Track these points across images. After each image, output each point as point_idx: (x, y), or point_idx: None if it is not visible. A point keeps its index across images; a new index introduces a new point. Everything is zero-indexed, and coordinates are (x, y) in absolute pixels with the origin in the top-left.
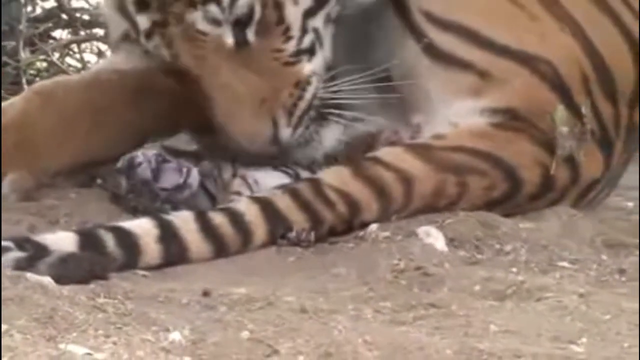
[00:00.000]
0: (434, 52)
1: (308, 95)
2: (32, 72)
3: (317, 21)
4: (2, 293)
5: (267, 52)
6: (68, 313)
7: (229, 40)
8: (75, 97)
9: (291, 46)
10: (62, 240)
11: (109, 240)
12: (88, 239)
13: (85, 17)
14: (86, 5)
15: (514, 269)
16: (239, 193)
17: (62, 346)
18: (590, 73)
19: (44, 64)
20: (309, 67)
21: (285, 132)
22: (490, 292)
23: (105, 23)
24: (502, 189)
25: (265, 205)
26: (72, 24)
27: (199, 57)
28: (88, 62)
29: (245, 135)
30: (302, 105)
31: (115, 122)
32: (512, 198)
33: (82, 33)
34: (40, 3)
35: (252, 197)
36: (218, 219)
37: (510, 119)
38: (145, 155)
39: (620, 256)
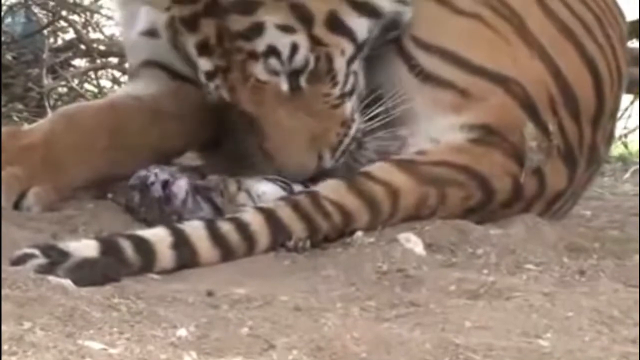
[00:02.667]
0: (420, 72)
1: (352, 132)
2: (54, 96)
3: (356, 65)
4: (27, 294)
5: (317, 96)
6: (86, 312)
7: (284, 86)
8: (96, 119)
9: (337, 90)
10: (84, 247)
11: (127, 247)
12: (108, 246)
13: (101, 47)
14: (102, 37)
15: (485, 271)
16: (244, 206)
17: (80, 342)
18: (556, 95)
19: (65, 89)
20: (351, 105)
21: (329, 164)
22: (464, 292)
23: (120, 53)
24: (477, 198)
25: (269, 216)
26: (89, 53)
27: (257, 101)
28: (104, 87)
29: (295, 168)
30: (347, 141)
31: (130, 143)
32: (486, 206)
33: (99, 61)
34: (61, 35)
35: (257, 208)
36: (226, 227)
37: (486, 134)
38: (157, 175)
39: (580, 259)
